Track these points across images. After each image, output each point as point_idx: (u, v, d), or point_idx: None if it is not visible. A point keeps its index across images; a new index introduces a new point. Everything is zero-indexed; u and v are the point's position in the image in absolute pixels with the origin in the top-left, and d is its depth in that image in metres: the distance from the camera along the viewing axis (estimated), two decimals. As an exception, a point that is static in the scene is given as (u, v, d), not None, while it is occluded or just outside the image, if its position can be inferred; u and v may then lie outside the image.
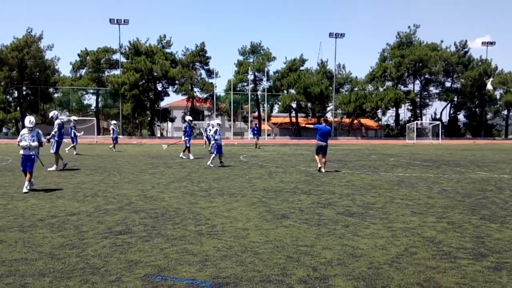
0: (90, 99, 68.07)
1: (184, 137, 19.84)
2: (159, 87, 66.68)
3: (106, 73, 67.19)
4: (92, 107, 67.68)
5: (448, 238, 5.69)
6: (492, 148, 34.23)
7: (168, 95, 68.44)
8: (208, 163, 15.81)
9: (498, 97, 71.82)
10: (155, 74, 62.14)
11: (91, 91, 65.63)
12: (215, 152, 15.91)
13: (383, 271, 4.37)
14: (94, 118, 52.12)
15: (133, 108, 61.91)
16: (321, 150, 14.14)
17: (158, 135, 71.28)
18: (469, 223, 6.57)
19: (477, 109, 73.31)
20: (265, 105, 65.93)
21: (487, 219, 6.91)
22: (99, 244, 5.31)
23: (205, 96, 66.67)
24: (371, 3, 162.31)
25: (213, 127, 17.01)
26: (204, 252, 4.97)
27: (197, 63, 66.21)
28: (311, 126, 16.98)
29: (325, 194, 9.36)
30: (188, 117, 20.34)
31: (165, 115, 69.54)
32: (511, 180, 12.24)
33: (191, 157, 18.96)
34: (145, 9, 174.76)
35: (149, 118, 68.26)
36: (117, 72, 64.07)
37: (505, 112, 73.40)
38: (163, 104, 71.43)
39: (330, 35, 64.66)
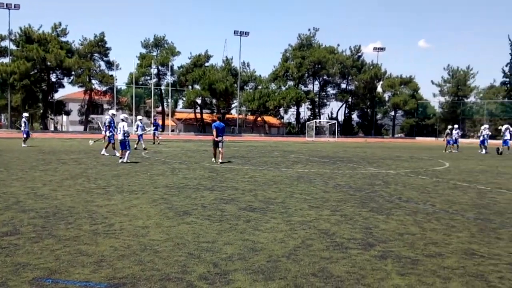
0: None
1: (106, 132, 18.42)
2: (53, 77, 61.88)
3: (-6, 61, 60.77)
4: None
5: (341, 229, 6.07)
6: (380, 146, 37.22)
7: (63, 86, 63.80)
8: (124, 159, 15.15)
9: (386, 99, 78.10)
10: (48, 63, 57.59)
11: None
12: (128, 148, 15.43)
13: (281, 263, 4.52)
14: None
15: (23, 99, 56.80)
16: (217, 144, 16.04)
17: (52, 129, 66.40)
18: (360, 215, 7.06)
19: (368, 110, 78.98)
20: (169, 100, 64.66)
21: (375, 211, 7.49)
22: (-21, 248, 4.80)
23: (104, 89, 63.36)
24: (275, 4, 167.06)
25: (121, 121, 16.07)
26: (100, 253, 4.73)
27: (95, 54, 62.67)
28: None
29: (228, 190, 9.45)
30: (112, 111, 19.03)
31: (60, 107, 64.86)
32: (396, 175, 13.40)
33: (117, 153, 17.07)
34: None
35: (41, 111, 63.21)
36: (5, 60, 58.29)
37: (392, 113, 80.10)
38: (57, 96, 66.60)
39: (235, 33, 65.32)
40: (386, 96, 77.57)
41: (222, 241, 5.33)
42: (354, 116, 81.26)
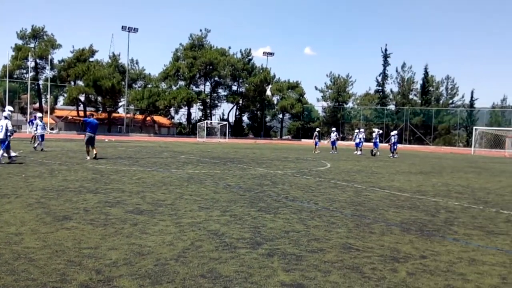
0: None
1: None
2: None
3: None
4: None
5: (230, 230, 6.14)
6: (269, 147, 38.59)
7: None
8: None
9: (275, 102, 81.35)
10: None
11: None
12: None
13: (169, 266, 4.43)
14: None
15: None
16: (90, 141, 16.51)
17: None
18: (249, 215, 7.23)
19: (258, 112, 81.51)
20: (48, 96, 59.85)
21: (264, 210, 7.72)
22: None
23: (-29, 81, 56.63)
24: (166, 1, 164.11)
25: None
26: (-38, 265, 4.19)
27: (-40, 42, 55.67)
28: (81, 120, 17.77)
29: (113, 192, 9.01)
30: (8, 107, 16.26)
31: None
32: (283, 175, 13.99)
33: (14, 153, 14.90)
34: None
35: None
36: None
37: (281, 115, 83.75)
38: None
39: (123, 28, 62.81)
40: (275, 99, 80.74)
41: (106, 246, 5.06)
42: (245, 118, 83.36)
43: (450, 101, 73.08)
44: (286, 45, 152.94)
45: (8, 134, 13.94)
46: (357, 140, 30.89)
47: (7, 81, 53.31)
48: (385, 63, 75.13)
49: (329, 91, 79.15)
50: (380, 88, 76.08)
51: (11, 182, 9.72)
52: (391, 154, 28.12)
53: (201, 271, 4.34)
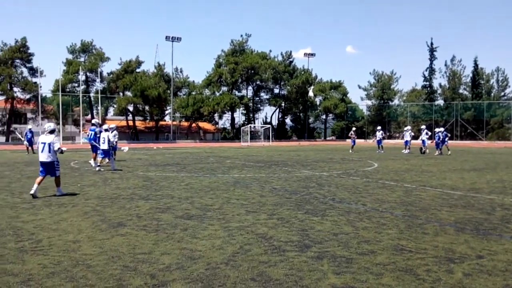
0: None
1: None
2: (-31, 85, 57.51)
3: None
4: None
5: (278, 233, 6.16)
6: (313, 149, 38.30)
7: (-19, 95, 59.46)
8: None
9: (318, 103, 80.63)
10: (-36, 70, 53.42)
11: None
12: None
13: (220, 270, 4.51)
14: None
15: None
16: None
17: (-31, 140, 61.44)
18: (296, 218, 7.22)
19: (301, 114, 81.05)
20: (99, 108, 62.31)
21: (311, 213, 7.69)
22: None
23: (28, 97, 59.74)
24: (206, 9, 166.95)
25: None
26: (27, 271, 4.45)
27: (17, 60, 58.95)
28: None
29: (164, 198, 9.26)
30: (96, 120, 18.04)
31: (-22, 117, 60.31)
32: (329, 177, 13.85)
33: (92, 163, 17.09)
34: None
35: (-43, 121, 58.37)
36: None
37: (324, 116, 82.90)
38: (-26, 105, 61.81)
39: (167, 38, 64.39)
40: (318, 100, 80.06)
41: (159, 251, 5.21)
42: (288, 120, 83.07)
43: (502, 93, 69.71)
44: (327, 44, 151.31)
45: (110, 145, 15.96)
46: (406, 138, 30.07)
47: (60, 95, 55.97)
48: (432, 57, 72.67)
49: (373, 89, 77.49)
50: (428, 83, 73.67)
51: (67, 192, 10.19)
52: (437, 152, 27.16)
53: (251, 274, 4.38)
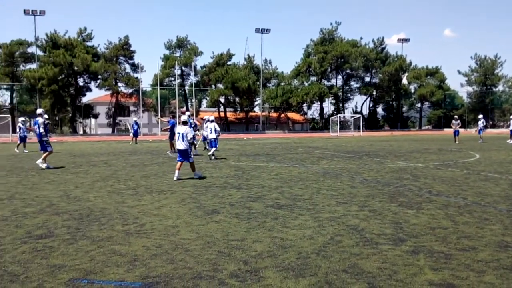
0: (3, 95, 63.21)
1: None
2: (81, 82, 63.40)
3: (21, 68, 62.63)
4: (7, 104, 62.85)
5: (370, 225, 6.02)
6: (407, 139, 36.63)
7: (91, 90, 65.27)
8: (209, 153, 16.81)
9: (412, 91, 76.82)
10: (75, 68, 58.99)
11: (5, 86, 60.89)
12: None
13: (310, 260, 4.53)
14: (9, 116, 48.36)
15: (52, 104, 58.26)
16: (172, 138, 18.69)
17: (81, 132, 67.94)
18: (389, 210, 6.99)
19: (394, 103, 77.80)
20: (193, 100, 65.26)
21: (405, 205, 7.39)
22: (18, 249, 4.98)
23: (130, 91, 64.48)
24: (295, 0, 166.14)
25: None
26: (133, 252, 4.84)
27: (121, 57, 63.80)
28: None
29: (254, 187, 9.49)
30: (187, 113, 19.77)
31: (88, 111, 66.33)
32: (425, 168, 13.18)
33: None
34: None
35: (70, 115, 64.73)
36: (33, 66, 59.98)
37: (419, 105, 78.73)
38: (85, 99, 68.08)
39: (256, 30, 65.45)
40: (412, 88, 76.32)
41: (251, 238, 5.37)
42: (379, 110, 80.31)
43: None
44: (423, 29, 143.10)
45: (217, 135, 17.14)
46: (511, 127, 27.55)
47: (159, 89, 59.59)
48: (544, 37, 65.50)
49: (475, 74, 71.99)
50: (538, 66, 66.59)
51: (166, 180, 10.87)
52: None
53: (343, 266, 4.35)
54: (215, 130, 17.01)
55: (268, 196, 8.43)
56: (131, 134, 30.84)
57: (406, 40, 75.40)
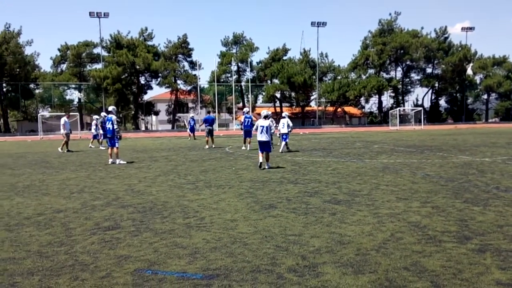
0: (72, 94, 67.13)
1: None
2: (142, 80, 66.05)
3: (88, 68, 66.23)
4: (75, 102, 66.74)
5: (433, 222, 5.81)
6: (473, 132, 34.82)
7: (152, 88, 68.02)
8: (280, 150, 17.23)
9: (478, 82, 72.94)
10: (137, 67, 61.50)
11: (73, 86, 64.65)
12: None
13: (370, 257, 4.45)
14: (77, 113, 51.36)
15: (117, 102, 61.12)
16: (210, 133, 20.86)
17: (143, 128, 70.72)
18: (453, 207, 6.71)
19: (457, 94, 74.29)
20: (249, 96, 65.85)
21: (470, 202, 7.06)
22: (88, 240, 5.30)
23: (189, 88, 66.28)
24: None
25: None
26: (194, 245, 4.99)
27: (179, 55, 65.66)
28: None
29: (311, 183, 9.44)
30: (246, 108, 20.44)
31: (149, 108, 68.97)
32: (492, 163, 12.49)
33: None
34: (125, 1, 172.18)
35: (133, 112, 67.60)
36: (98, 66, 63.20)
37: (485, 96, 74.63)
38: (146, 97, 70.85)
39: (312, 24, 64.79)
40: (478, 78, 72.45)
41: (309, 234, 5.36)
42: (442, 102, 76.91)
43: None
44: (489, 16, 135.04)
45: (289, 130, 17.55)
46: None
47: (216, 85, 60.73)
48: None
49: (547, 62, 67.00)
50: None
51: (224, 175, 11.08)
52: None
53: (404, 263, 4.24)
54: (288, 125, 17.44)
55: (326, 191, 8.36)
56: (188, 130, 31.75)
57: (471, 28, 71.66)
